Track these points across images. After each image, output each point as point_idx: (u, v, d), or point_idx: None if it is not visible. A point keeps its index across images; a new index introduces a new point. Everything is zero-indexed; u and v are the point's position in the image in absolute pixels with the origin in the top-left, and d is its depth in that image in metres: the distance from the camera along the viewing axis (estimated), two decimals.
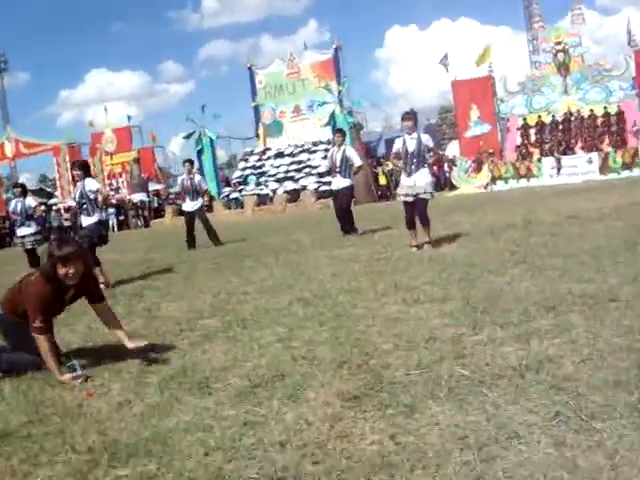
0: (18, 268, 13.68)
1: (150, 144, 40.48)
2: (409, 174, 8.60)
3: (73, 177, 9.28)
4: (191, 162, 14.28)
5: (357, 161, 11.91)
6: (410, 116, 8.78)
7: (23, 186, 12.61)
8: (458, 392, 3.11)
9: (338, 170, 11.72)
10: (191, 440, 2.94)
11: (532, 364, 3.33)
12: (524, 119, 29.28)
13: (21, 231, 11.75)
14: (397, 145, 8.84)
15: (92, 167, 30.46)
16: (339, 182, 11.80)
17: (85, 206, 8.94)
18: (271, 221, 21.25)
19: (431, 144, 8.77)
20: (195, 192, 13.25)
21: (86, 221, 8.98)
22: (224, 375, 3.81)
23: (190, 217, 13.28)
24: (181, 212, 30.82)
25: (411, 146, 8.53)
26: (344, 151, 11.72)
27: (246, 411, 3.20)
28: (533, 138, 28.96)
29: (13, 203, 12.07)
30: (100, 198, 9.17)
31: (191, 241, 13.10)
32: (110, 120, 42.31)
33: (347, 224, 11.68)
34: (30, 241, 11.61)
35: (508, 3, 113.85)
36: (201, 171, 28.66)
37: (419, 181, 8.50)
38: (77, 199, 9.09)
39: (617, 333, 3.71)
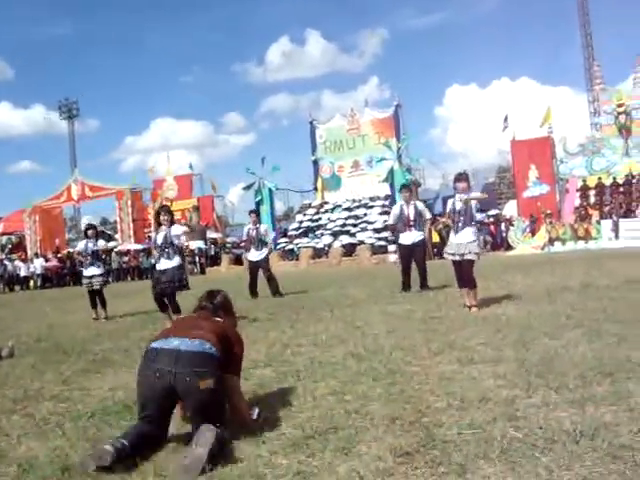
0: (77, 306, 14.13)
1: (210, 193, 41.43)
2: (455, 232, 8.70)
3: (159, 222, 9.56)
4: (256, 212, 14.66)
5: (428, 215, 12.30)
6: (464, 177, 8.91)
7: (96, 228, 13.18)
8: (511, 454, 3.11)
9: (412, 224, 11.82)
10: None
11: (587, 430, 3.30)
12: (584, 180, 29.08)
13: (89, 271, 12.12)
14: (449, 205, 8.96)
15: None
16: (413, 236, 11.84)
17: (167, 250, 9.26)
18: (326, 274, 21.40)
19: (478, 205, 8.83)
20: (260, 242, 13.50)
21: (166, 264, 9.28)
22: (278, 425, 3.87)
23: (255, 266, 13.50)
24: (237, 261, 31.57)
25: (459, 205, 8.63)
26: (416, 206, 11.91)
27: (299, 461, 3.25)
28: (593, 200, 28.69)
29: (83, 244, 12.46)
30: (184, 240, 9.54)
31: (254, 290, 13.31)
32: (172, 168, 43.59)
33: (423, 278, 11.77)
34: (98, 282, 12.00)
35: (569, 64, 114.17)
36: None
37: (464, 240, 8.54)
38: (160, 242, 9.40)
39: None
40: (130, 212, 42.07)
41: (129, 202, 42.14)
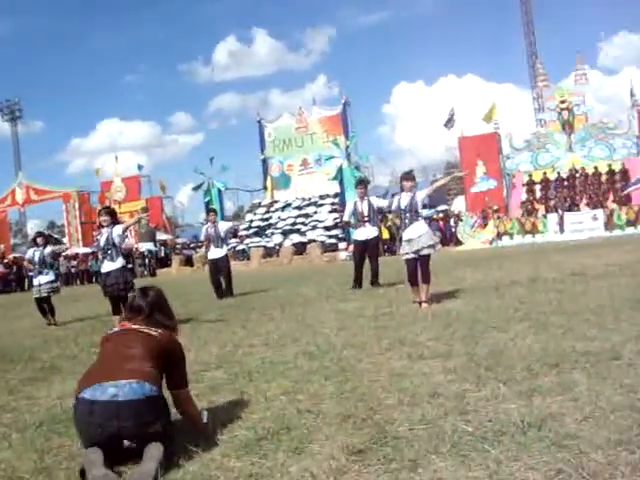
0: (24, 313, 13.83)
1: (159, 194, 40.95)
2: (404, 229, 8.77)
3: (100, 223, 9.37)
4: (214, 211, 14.55)
5: (386, 203, 12.14)
6: (410, 176, 9.01)
7: (45, 235, 12.98)
8: (461, 448, 3.15)
9: (366, 220, 11.85)
10: None
11: (534, 421, 3.37)
12: (530, 175, 29.63)
13: (38, 279, 11.89)
14: (395, 202, 9.01)
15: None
16: (368, 232, 11.87)
17: (110, 251, 9.05)
18: (277, 273, 21.37)
19: (426, 200, 8.92)
20: (220, 239, 13.40)
21: (109, 266, 9.05)
22: (230, 427, 3.85)
23: (215, 265, 13.41)
24: (188, 262, 31.29)
25: (404, 202, 8.69)
26: (370, 201, 11.93)
27: (252, 463, 3.24)
28: (539, 194, 29.26)
29: (31, 252, 12.23)
30: (133, 242, 9.33)
31: (219, 289, 13.20)
32: (120, 169, 42.99)
33: (375, 275, 11.79)
34: (46, 289, 11.76)
35: (513, 61, 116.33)
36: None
37: (415, 234, 8.56)
38: (102, 245, 9.18)
39: (619, 391, 3.76)
40: (78, 215, 41.36)
41: (76, 205, 41.43)
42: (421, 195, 8.80)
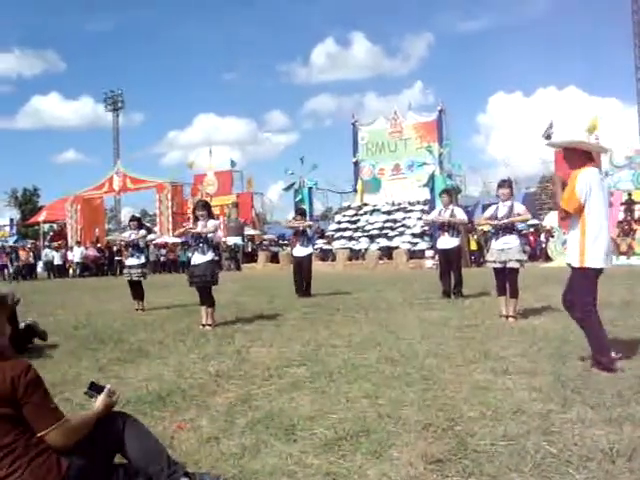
0: (114, 296, 14.33)
1: (250, 190, 41.65)
2: (497, 238, 8.62)
3: (196, 217, 9.51)
4: (303, 212, 14.89)
5: (464, 216, 12.25)
6: (506, 184, 8.84)
7: (138, 219, 13.48)
8: (544, 469, 3.07)
9: (447, 229, 11.79)
10: None
11: (624, 450, 3.24)
12: (629, 194, 28.50)
13: (129, 262, 12.34)
14: (490, 210, 8.88)
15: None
16: (448, 241, 11.82)
17: (201, 244, 9.23)
18: (362, 276, 21.35)
19: (522, 211, 8.73)
20: (307, 239, 13.72)
21: (199, 259, 9.19)
22: (310, 424, 3.88)
23: (298, 262, 13.65)
24: (274, 258, 31.68)
25: (502, 212, 8.54)
26: (452, 210, 11.83)
27: (330, 462, 3.26)
28: (637, 215, 28.10)
29: (127, 233, 12.79)
30: (220, 235, 9.49)
31: (299, 286, 13.43)
32: (213, 163, 43.95)
33: (457, 284, 11.75)
34: (136, 274, 12.13)
35: (619, 75, 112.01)
36: None
37: (506, 245, 8.44)
38: (195, 237, 9.29)
39: None
40: (170, 206, 42.42)
41: (169, 195, 42.51)
42: (519, 208, 8.61)
